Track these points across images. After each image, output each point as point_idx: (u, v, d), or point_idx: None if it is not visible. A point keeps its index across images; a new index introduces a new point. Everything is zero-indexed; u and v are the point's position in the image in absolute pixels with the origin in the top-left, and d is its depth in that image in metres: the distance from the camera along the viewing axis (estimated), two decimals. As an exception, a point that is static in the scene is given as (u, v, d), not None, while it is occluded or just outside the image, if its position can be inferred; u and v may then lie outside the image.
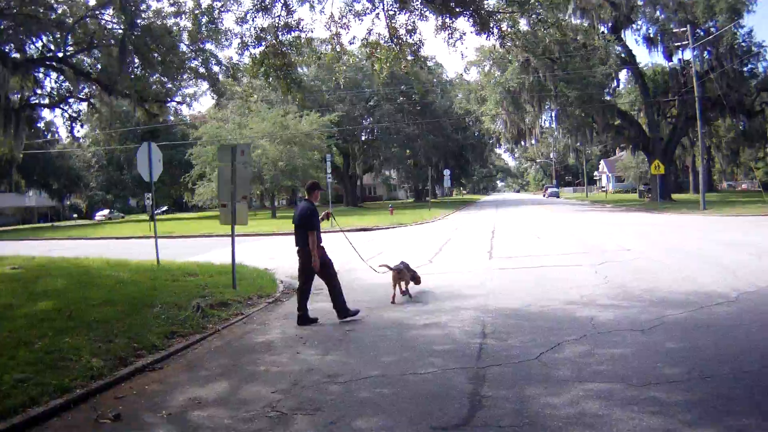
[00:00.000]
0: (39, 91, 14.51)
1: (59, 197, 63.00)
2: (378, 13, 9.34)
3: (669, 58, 43.27)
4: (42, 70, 13.05)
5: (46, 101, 14.83)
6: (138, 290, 10.59)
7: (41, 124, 47.57)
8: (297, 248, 8.43)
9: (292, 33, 9.46)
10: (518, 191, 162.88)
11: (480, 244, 17.41)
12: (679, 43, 35.10)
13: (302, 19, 9.41)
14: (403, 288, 9.84)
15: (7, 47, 12.35)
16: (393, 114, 62.77)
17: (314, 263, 8.19)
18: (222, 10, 9.01)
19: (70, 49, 12.40)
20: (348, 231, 18.34)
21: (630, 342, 5.99)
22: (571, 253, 14.33)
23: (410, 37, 9.46)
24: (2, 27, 11.96)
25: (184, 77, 12.82)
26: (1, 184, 57.71)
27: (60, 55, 12.52)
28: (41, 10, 11.37)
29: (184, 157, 48.56)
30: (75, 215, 67.94)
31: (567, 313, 7.54)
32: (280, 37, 9.26)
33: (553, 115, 44.51)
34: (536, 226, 24.05)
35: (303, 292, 8.41)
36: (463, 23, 10.23)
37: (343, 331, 7.57)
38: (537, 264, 12.61)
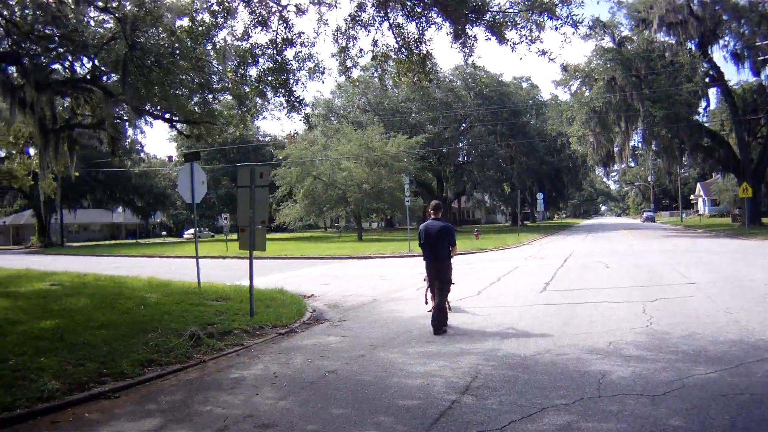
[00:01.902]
0: (78, 112, 14.85)
1: (144, 215, 65.44)
2: (385, 23, 8.48)
3: (757, 74, 40.31)
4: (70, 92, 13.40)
5: (88, 121, 15.18)
6: (150, 314, 10.34)
7: (127, 143, 49.85)
8: (430, 263, 9.23)
9: (293, 48, 8.87)
10: (619, 215, 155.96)
11: (543, 275, 16.01)
12: (762, 57, 32.12)
13: (303, 33, 8.71)
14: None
15: (37, 68, 12.63)
16: (485, 136, 61.29)
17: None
18: (218, 27, 8.54)
19: (103, 69, 12.57)
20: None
21: (628, 414, 4.67)
22: (629, 286, 12.80)
23: (417, 48, 8.56)
24: (32, 49, 12.26)
25: (197, 97, 12.57)
26: (83, 201, 60.80)
27: (89, 77, 12.74)
28: (72, 33, 11.51)
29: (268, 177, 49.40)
30: (164, 233, 70.61)
31: (579, 366, 6.26)
32: (280, 52, 8.67)
33: (640, 135, 42.00)
34: (613, 255, 22.15)
35: (444, 295, 9.13)
36: (477, 32, 9.08)
37: (324, 373, 6.73)
38: (587, 299, 11.21)
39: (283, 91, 9.22)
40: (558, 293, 12.36)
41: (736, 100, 42.45)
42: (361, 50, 9.10)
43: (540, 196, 55.06)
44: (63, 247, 50.03)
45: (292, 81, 9.08)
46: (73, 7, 9.71)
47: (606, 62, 38.11)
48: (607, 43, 40.04)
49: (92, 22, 11.06)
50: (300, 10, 8.48)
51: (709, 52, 39.92)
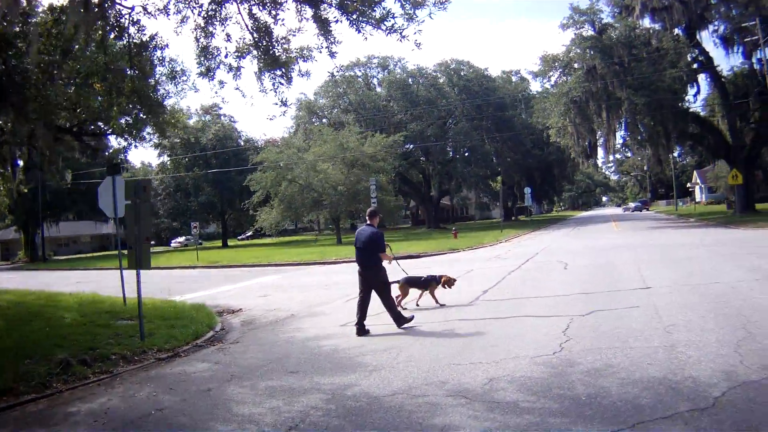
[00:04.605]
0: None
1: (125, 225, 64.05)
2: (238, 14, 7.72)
3: (747, 58, 39.75)
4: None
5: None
6: (45, 336, 9.92)
7: (108, 153, 48.93)
8: (361, 269, 9.58)
9: (146, 52, 8.11)
10: (619, 205, 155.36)
11: (489, 280, 14.96)
12: (748, 39, 31.26)
13: (157, 34, 8.02)
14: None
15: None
16: (470, 132, 60.27)
17: (390, 258, 9.71)
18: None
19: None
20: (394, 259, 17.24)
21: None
22: (574, 293, 11.66)
23: (264, 37, 7.77)
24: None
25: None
26: (68, 214, 60.15)
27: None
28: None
29: (243, 183, 48.54)
30: (153, 242, 69.76)
31: (426, 416, 5.19)
32: (137, 55, 7.92)
33: (623, 124, 41.11)
34: (581, 253, 21.31)
35: (364, 305, 9.37)
36: (337, 18, 8.30)
37: (151, 411, 6.13)
38: (513, 313, 10.10)
39: (137, 98, 8.46)
40: (487, 305, 11.33)
41: (728, 86, 41.71)
42: (216, 48, 8.33)
43: (528, 190, 54.27)
44: (45, 261, 49.51)
45: (147, 88, 8.36)
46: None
47: (585, 50, 37.17)
48: (587, 31, 39.12)
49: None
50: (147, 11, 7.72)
51: (698, 37, 38.87)
